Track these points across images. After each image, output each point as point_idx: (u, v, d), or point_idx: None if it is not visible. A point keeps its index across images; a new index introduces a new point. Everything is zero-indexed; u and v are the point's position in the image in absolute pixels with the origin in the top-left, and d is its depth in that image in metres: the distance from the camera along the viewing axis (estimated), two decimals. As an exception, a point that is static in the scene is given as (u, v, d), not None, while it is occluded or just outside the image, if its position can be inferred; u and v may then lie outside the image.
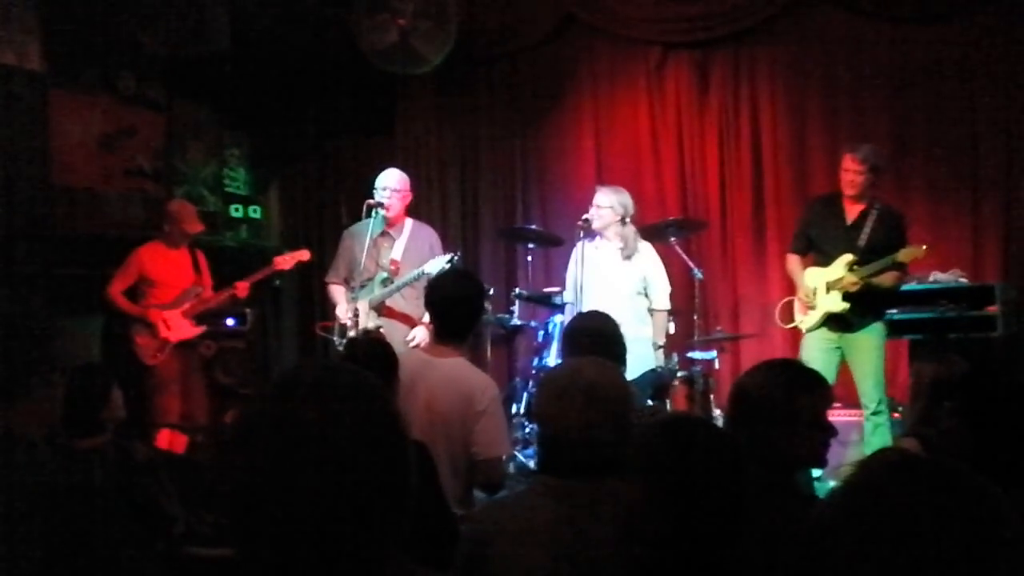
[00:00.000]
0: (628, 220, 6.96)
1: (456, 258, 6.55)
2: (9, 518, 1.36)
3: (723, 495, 2.27)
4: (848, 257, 6.50)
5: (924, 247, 6.42)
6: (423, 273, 6.46)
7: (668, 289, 7.05)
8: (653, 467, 2.30)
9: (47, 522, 1.42)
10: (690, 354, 7.40)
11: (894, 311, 6.94)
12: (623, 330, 4.54)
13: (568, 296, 7.18)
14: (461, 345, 4.47)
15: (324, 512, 1.44)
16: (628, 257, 6.93)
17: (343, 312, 6.79)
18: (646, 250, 7.02)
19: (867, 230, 6.55)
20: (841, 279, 6.49)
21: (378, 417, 1.53)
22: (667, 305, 7.05)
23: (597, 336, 4.32)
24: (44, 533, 1.41)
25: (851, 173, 6.54)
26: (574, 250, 7.13)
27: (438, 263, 6.45)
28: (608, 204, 6.92)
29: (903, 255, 6.39)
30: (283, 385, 1.53)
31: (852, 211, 6.64)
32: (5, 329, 2.42)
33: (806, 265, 6.81)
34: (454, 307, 4.45)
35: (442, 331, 4.46)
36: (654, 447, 2.35)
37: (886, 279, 6.51)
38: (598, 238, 6.99)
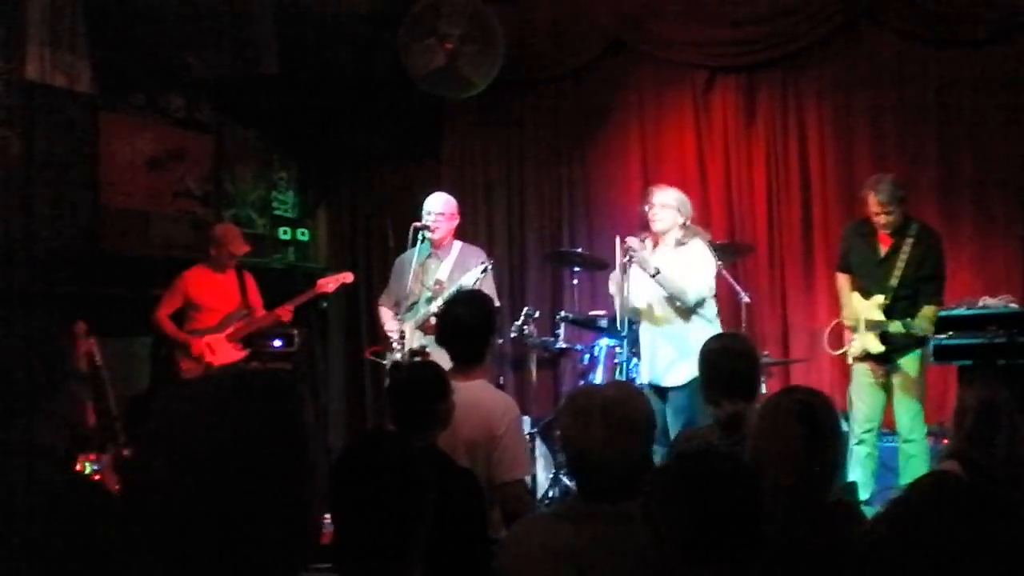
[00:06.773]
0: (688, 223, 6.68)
1: (489, 267, 6.58)
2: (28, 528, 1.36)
3: (738, 531, 2.27)
4: (879, 299, 6.49)
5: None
6: (462, 287, 6.46)
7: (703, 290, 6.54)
8: (666, 501, 2.29)
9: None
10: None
11: (943, 336, 6.85)
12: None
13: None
14: (480, 367, 4.51)
15: (207, 524, 1.39)
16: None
17: (393, 328, 6.83)
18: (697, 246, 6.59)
19: (900, 264, 6.52)
20: (878, 322, 6.47)
21: (272, 422, 1.46)
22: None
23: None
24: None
25: (881, 216, 6.50)
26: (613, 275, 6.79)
27: (473, 275, 6.48)
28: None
29: (922, 327, 6.38)
30: (183, 389, 1.49)
31: (886, 241, 6.61)
32: (34, 344, 2.45)
33: (853, 284, 6.79)
34: (462, 334, 4.50)
35: (457, 358, 4.51)
36: (668, 481, 2.35)
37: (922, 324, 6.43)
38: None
